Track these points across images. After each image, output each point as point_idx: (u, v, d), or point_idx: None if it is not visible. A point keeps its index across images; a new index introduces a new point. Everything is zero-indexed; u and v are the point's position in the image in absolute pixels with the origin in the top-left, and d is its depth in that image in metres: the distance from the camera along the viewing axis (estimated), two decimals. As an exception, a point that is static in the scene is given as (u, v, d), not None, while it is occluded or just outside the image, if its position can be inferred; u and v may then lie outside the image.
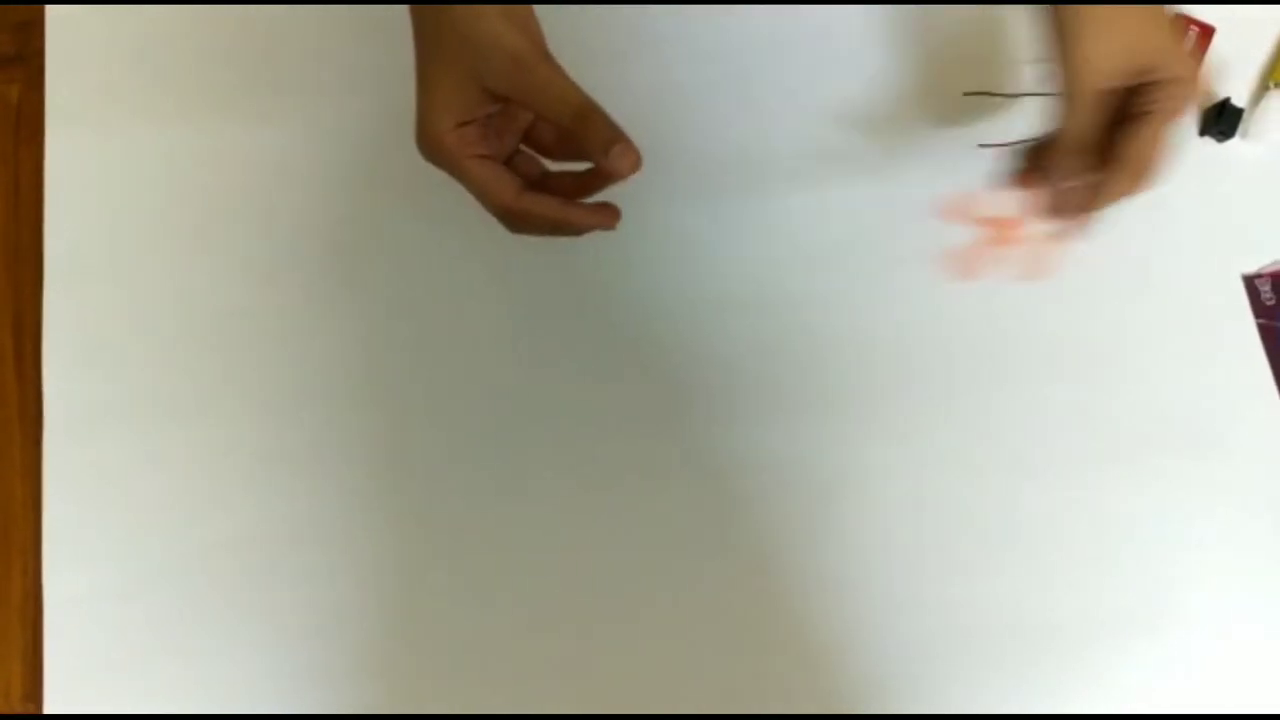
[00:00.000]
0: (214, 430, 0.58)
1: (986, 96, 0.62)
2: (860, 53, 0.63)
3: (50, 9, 0.62)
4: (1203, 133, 0.63)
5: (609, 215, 0.49)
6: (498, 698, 0.56)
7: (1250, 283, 0.60)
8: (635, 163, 0.45)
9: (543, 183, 0.50)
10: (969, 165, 0.62)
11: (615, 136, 0.45)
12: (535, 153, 0.50)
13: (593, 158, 0.46)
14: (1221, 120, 0.62)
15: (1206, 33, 0.63)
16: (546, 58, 0.46)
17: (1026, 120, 0.61)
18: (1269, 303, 0.61)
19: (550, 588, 0.57)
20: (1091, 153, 0.49)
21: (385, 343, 0.59)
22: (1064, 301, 0.61)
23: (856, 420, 0.59)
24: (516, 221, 0.48)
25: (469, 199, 0.49)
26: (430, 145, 0.47)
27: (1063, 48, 0.48)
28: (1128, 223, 0.62)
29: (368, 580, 0.57)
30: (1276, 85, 0.63)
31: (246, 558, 0.56)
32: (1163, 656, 0.57)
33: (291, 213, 0.60)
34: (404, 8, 0.62)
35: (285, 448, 0.58)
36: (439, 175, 0.60)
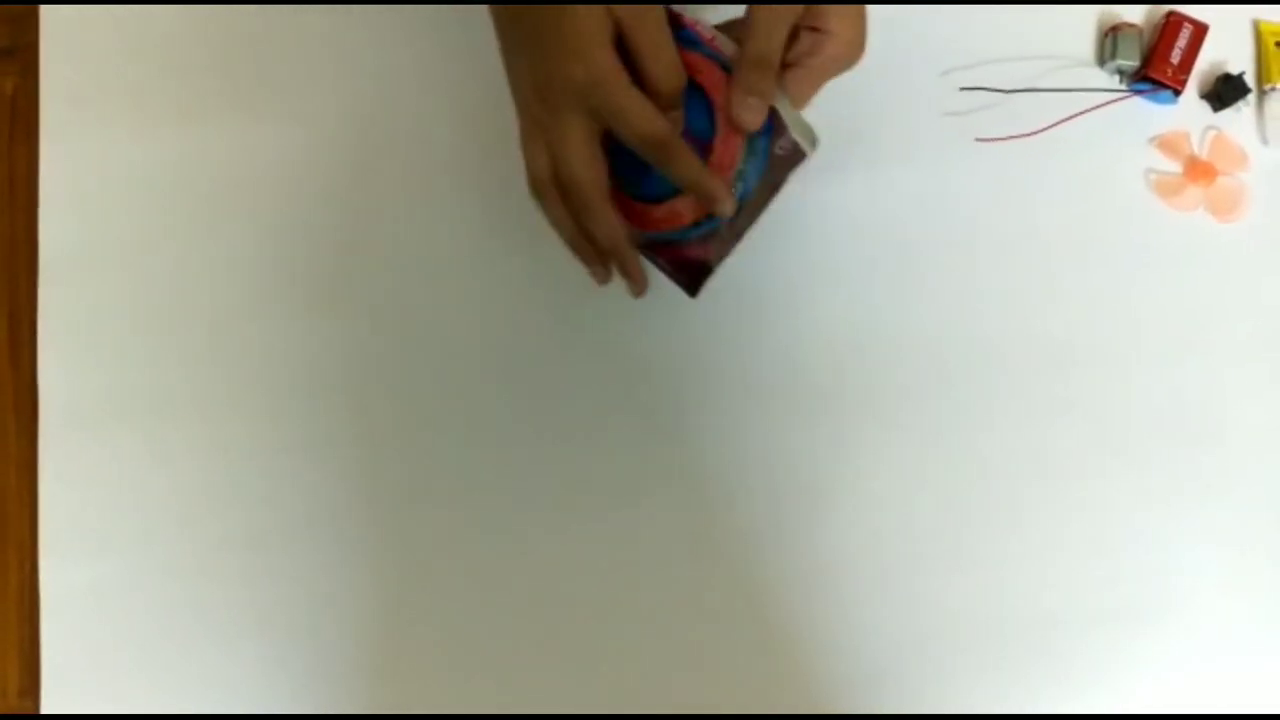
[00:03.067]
0: (211, 425, 0.57)
1: (982, 91, 0.62)
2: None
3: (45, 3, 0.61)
4: (1203, 96, 0.64)
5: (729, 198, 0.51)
6: (497, 697, 0.56)
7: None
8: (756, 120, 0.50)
9: None
10: (966, 160, 0.62)
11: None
12: None
13: (736, 95, 0.49)
14: (1225, 90, 0.63)
15: (1200, 30, 0.63)
16: (661, 14, 0.48)
17: (1023, 115, 0.62)
18: None
19: (549, 587, 0.57)
20: (775, 77, 0.50)
21: (383, 342, 0.59)
22: (1062, 297, 0.61)
23: (853, 417, 0.59)
24: (664, 152, 0.49)
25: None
26: (592, 71, 0.47)
27: None
28: (1126, 217, 0.63)
29: (366, 578, 0.57)
30: (1274, 86, 0.64)
31: (244, 553, 0.56)
32: (1162, 652, 0.58)
33: (290, 209, 0.60)
34: (401, 7, 0.62)
35: (283, 444, 0.58)
36: (437, 175, 0.61)
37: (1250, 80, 0.63)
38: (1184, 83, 0.63)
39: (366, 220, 0.60)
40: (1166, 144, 0.63)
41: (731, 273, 0.60)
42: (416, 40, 0.62)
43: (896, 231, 0.61)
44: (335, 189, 0.61)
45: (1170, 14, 0.63)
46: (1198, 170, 0.63)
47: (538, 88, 0.49)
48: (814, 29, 0.50)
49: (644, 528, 0.58)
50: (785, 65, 0.50)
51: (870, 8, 0.64)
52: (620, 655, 0.56)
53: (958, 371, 0.60)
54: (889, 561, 0.58)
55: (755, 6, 0.49)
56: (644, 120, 0.48)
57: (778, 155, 0.51)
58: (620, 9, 0.47)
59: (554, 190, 0.51)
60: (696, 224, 0.51)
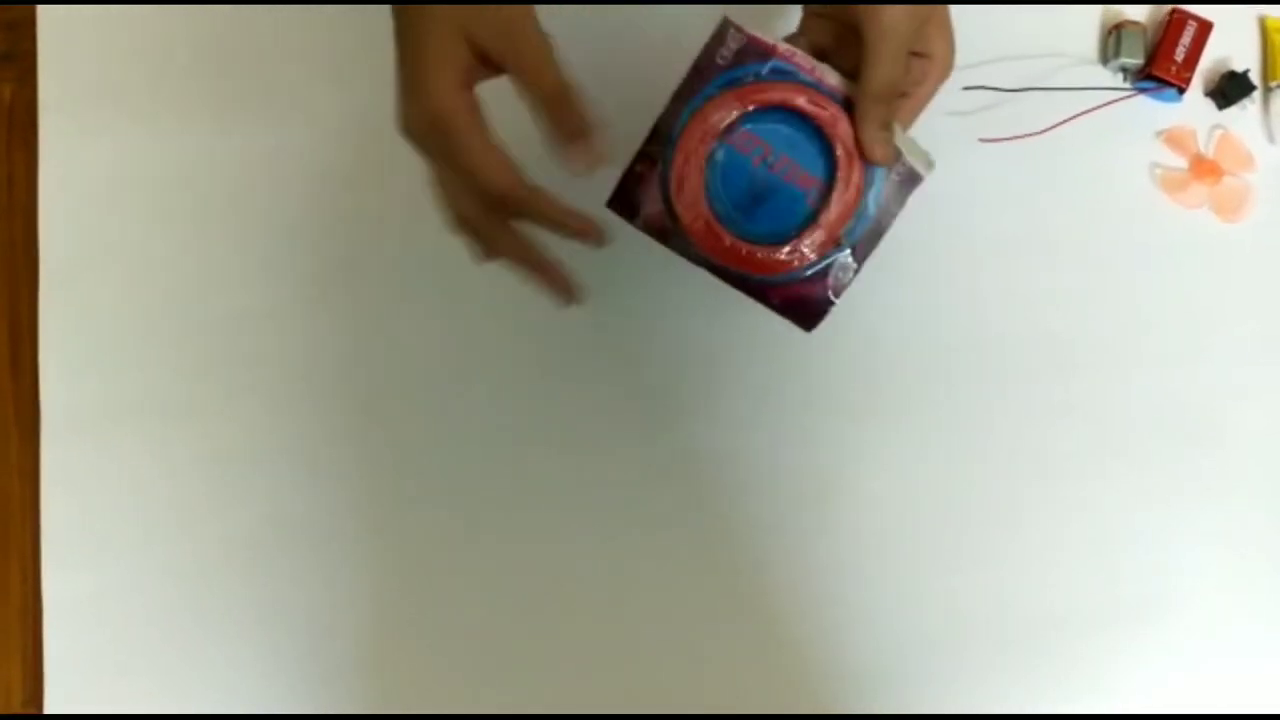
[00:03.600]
0: (212, 430, 0.57)
1: (986, 91, 0.62)
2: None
3: (42, 7, 0.61)
4: (1208, 94, 0.64)
5: (601, 235, 0.47)
6: (498, 698, 0.56)
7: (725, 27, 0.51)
8: (592, 162, 0.44)
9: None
10: (969, 160, 0.61)
11: (584, 129, 0.43)
12: None
13: (555, 141, 0.44)
14: (1230, 88, 0.63)
15: (1204, 27, 0.62)
16: (537, 27, 0.44)
17: (1027, 115, 0.61)
18: (721, 63, 0.51)
19: (551, 588, 0.57)
20: (891, 111, 0.48)
21: (383, 344, 0.59)
22: (1066, 297, 0.61)
23: (854, 418, 0.59)
24: (515, 206, 0.45)
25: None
26: (435, 112, 0.42)
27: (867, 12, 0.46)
28: (1129, 218, 0.62)
29: (367, 580, 0.57)
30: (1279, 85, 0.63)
31: (246, 557, 0.56)
32: (1162, 652, 0.57)
33: (288, 212, 0.60)
34: (398, 7, 0.62)
35: (283, 448, 0.58)
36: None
37: (1255, 78, 0.63)
38: (1188, 80, 0.62)
39: (365, 223, 0.60)
40: (1173, 139, 0.63)
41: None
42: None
43: (900, 232, 0.61)
44: (335, 192, 0.60)
45: (1174, 11, 0.63)
46: (1203, 168, 0.63)
47: (399, 122, 0.44)
48: (920, 55, 0.48)
49: (645, 528, 0.58)
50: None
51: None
52: (622, 655, 0.56)
53: (960, 371, 0.60)
54: (890, 561, 0.58)
55: (874, 34, 0.45)
56: (485, 172, 0.43)
57: (894, 182, 0.49)
58: (482, 34, 0.42)
59: (503, 204, 0.45)
60: (823, 259, 0.49)
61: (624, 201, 0.48)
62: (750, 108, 0.47)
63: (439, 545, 0.57)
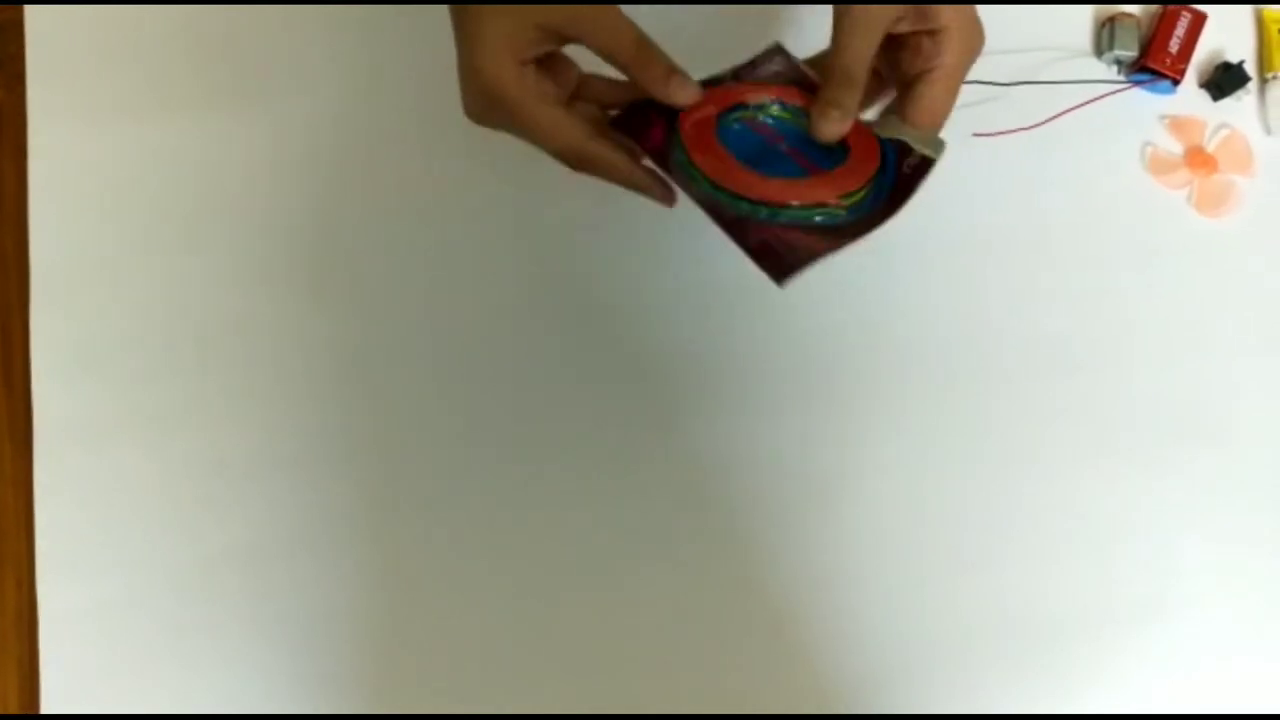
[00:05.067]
0: (207, 439, 0.57)
1: (979, 86, 0.62)
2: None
3: (30, 10, 0.61)
4: (1203, 85, 0.64)
5: (669, 193, 0.50)
6: (499, 702, 0.55)
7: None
8: (695, 94, 0.47)
9: (604, 132, 0.49)
10: (963, 155, 0.61)
11: (674, 67, 0.46)
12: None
13: (652, 88, 0.46)
14: (1225, 79, 0.63)
15: (1198, 20, 0.62)
16: None
17: (1021, 108, 0.61)
18: None
19: (553, 590, 0.57)
20: (859, 91, 0.48)
21: (379, 348, 0.59)
22: (1062, 292, 0.61)
23: (853, 416, 0.59)
24: (583, 165, 0.48)
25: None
26: (489, 90, 0.45)
27: None
28: (1124, 211, 0.62)
29: (366, 589, 0.56)
30: (1276, 74, 0.63)
31: (243, 567, 0.56)
32: (1162, 651, 0.57)
33: (282, 215, 0.60)
34: (393, 7, 0.62)
35: (279, 456, 0.57)
36: (434, 173, 0.60)
37: (1250, 69, 0.63)
38: (1183, 72, 0.62)
39: (362, 227, 0.60)
40: (1178, 125, 0.63)
41: (731, 271, 0.60)
42: (405, 38, 0.61)
43: (894, 228, 0.61)
44: (330, 198, 0.60)
45: (1168, 3, 0.63)
46: (1199, 159, 0.62)
47: (465, 109, 0.47)
48: (928, 32, 0.48)
49: (646, 529, 0.57)
50: (915, 77, 0.48)
51: None
52: (621, 656, 0.56)
53: (957, 368, 0.60)
54: (890, 562, 0.57)
55: (840, 21, 0.46)
56: (548, 140, 0.46)
57: (905, 174, 0.49)
58: (545, 14, 0.44)
59: (577, 160, 0.48)
60: (823, 207, 0.49)
61: (630, 122, 0.50)
62: (775, 98, 0.50)
63: (439, 549, 0.57)
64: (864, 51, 0.47)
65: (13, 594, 0.56)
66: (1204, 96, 0.64)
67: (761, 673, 0.56)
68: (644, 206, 0.60)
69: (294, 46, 0.62)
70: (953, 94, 0.49)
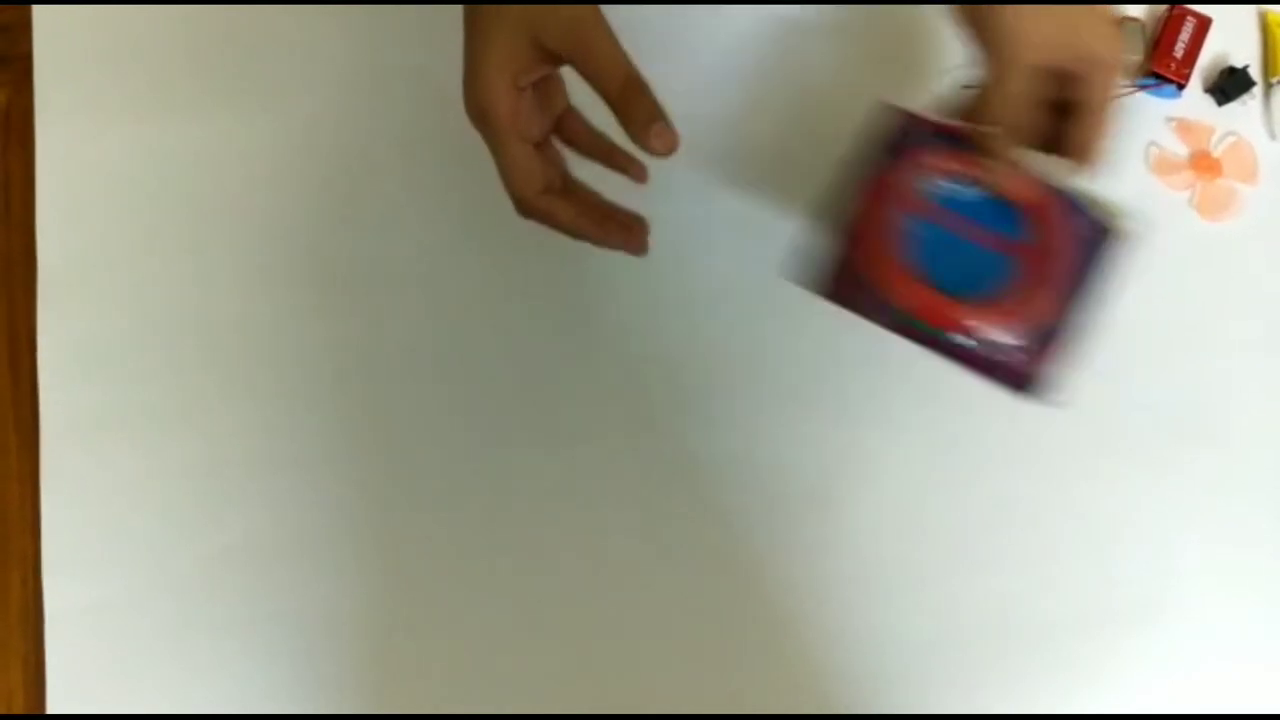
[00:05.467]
0: (212, 437, 0.57)
1: (984, 89, 0.62)
2: (861, 46, 0.63)
3: (37, 10, 0.61)
4: (1208, 90, 0.64)
5: (635, 241, 0.50)
6: (500, 700, 0.56)
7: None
8: (672, 145, 0.46)
9: (565, 186, 0.50)
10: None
11: (658, 114, 0.46)
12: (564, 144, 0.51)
13: (633, 131, 0.46)
14: (1230, 84, 0.63)
15: (1203, 24, 0.62)
16: (604, 22, 0.46)
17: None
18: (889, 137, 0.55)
19: (555, 591, 0.57)
20: (1021, 135, 0.47)
21: (382, 347, 0.59)
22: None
23: (853, 419, 0.59)
24: (528, 214, 0.48)
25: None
26: (483, 106, 0.46)
27: (992, 22, 0.46)
28: (1137, 212, 0.62)
29: (366, 586, 0.56)
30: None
31: (246, 566, 0.56)
32: (1163, 651, 0.57)
33: (287, 215, 0.60)
34: (397, 8, 0.62)
35: (282, 455, 0.57)
36: (436, 174, 0.60)
37: (1254, 73, 0.63)
38: (1188, 76, 0.62)
39: (364, 225, 0.60)
40: (1185, 128, 0.63)
41: (736, 271, 0.60)
42: (409, 38, 0.62)
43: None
44: (335, 196, 0.60)
45: (1173, 7, 0.63)
46: (1204, 163, 0.62)
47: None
48: (1074, 67, 0.46)
49: (647, 530, 0.57)
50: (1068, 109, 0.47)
51: (869, 7, 0.64)
52: (621, 656, 0.56)
53: (959, 374, 0.60)
54: (890, 562, 0.58)
55: (990, 57, 0.45)
56: (509, 177, 0.47)
57: (1095, 241, 0.48)
58: (548, 33, 0.45)
59: (523, 207, 0.48)
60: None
61: (802, 271, 0.49)
62: (926, 176, 0.48)
63: (438, 549, 0.57)
64: (1018, 93, 0.45)
65: (18, 589, 0.56)
66: (1208, 101, 0.64)
67: (761, 673, 0.56)
68: (645, 209, 0.60)
69: (299, 47, 0.62)
70: (1096, 132, 0.48)
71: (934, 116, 0.50)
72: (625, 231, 0.50)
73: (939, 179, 0.49)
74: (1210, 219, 0.62)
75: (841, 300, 0.49)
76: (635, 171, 0.51)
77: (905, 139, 0.50)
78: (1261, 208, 0.62)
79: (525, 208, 0.48)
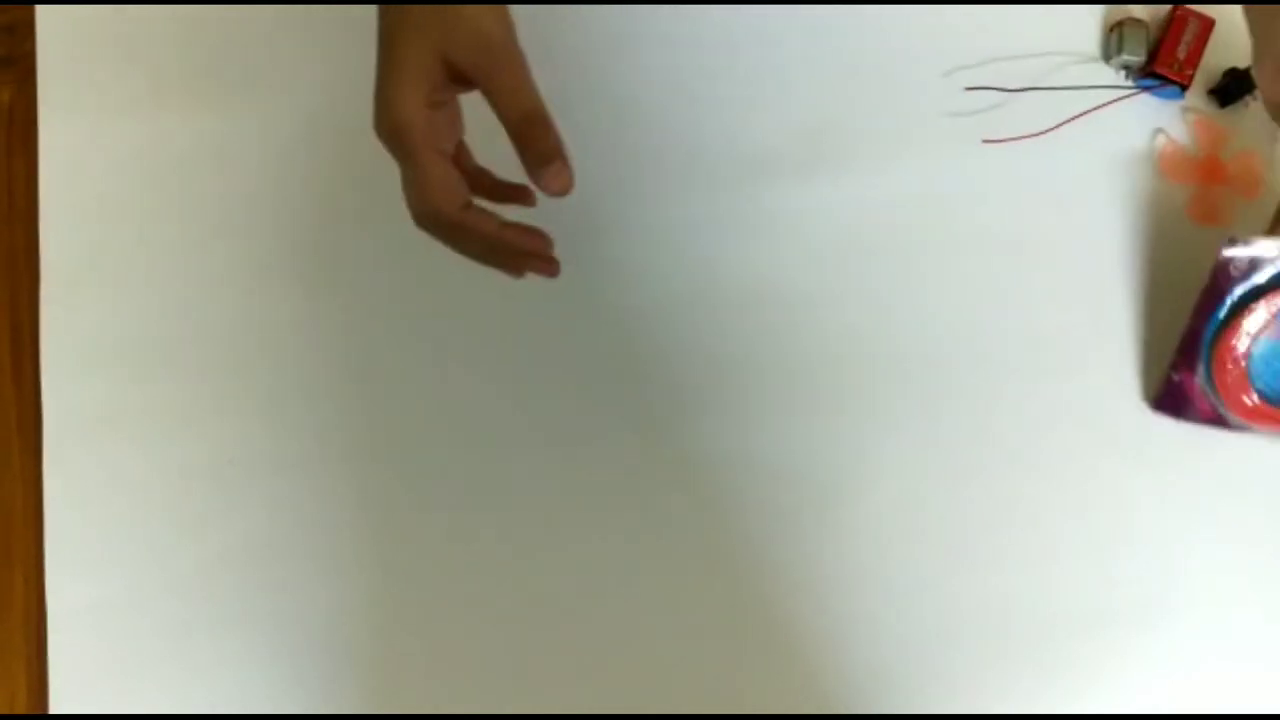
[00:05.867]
0: (215, 437, 0.57)
1: (988, 92, 0.62)
2: (863, 48, 0.63)
3: (41, 9, 0.61)
4: (1210, 91, 0.64)
5: (548, 262, 0.50)
6: (501, 701, 0.56)
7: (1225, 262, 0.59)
8: (566, 186, 0.45)
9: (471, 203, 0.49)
10: (971, 162, 0.61)
11: (557, 153, 0.45)
12: None
13: (529, 165, 0.45)
14: (1232, 85, 0.62)
15: (1206, 25, 0.62)
16: (515, 46, 0.45)
17: (1029, 114, 0.61)
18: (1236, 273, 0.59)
19: (550, 589, 0.57)
20: None
21: (385, 346, 0.59)
22: (1065, 298, 0.61)
23: (852, 419, 0.59)
24: (451, 233, 0.47)
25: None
26: (398, 122, 0.44)
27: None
28: (1133, 216, 0.62)
29: (369, 586, 0.56)
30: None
31: (250, 566, 0.56)
32: (1164, 652, 0.57)
33: (292, 214, 0.60)
34: (382, 9, 0.62)
35: (285, 455, 0.57)
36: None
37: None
38: (1190, 78, 0.62)
39: (369, 225, 0.60)
40: (1202, 124, 0.63)
41: (736, 271, 0.60)
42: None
43: (903, 234, 0.61)
44: (341, 196, 0.60)
45: (1176, 8, 0.63)
46: (1211, 166, 0.62)
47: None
48: None
49: (647, 531, 0.57)
50: None
51: (871, 8, 0.64)
52: (622, 656, 0.56)
53: (962, 373, 0.60)
54: (890, 563, 0.58)
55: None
56: (428, 192, 0.45)
57: None
58: (458, 53, 0.44)
59: (446, 226, 0.47)
60: None
61: (1172, 405, 0.58)
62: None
63: (439, 550, 0.57)
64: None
65: (21, 590, 0.56)
66: (1211, 103, 0.64)
67: (761, 673, 0.56)
68: (643, 210, 0.60)
69: (303, 45, 0.62)
70: None
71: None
72: (539, 240, 0.49)
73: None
74: (1199, 222, 0.62)
75: (1215, 424, 0.58)
76: (525, 197, 0.50)
77: (1254, 269, 0.57)
78: (1256, 216, 0.62)
79: (444, 223, 0.46)
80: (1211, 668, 0.57)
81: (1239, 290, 0.57)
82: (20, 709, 0.55)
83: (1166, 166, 0.62)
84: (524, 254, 0.50)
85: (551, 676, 0.56)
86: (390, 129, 0.45)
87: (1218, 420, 0.58)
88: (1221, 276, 0.57)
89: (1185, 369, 0.58)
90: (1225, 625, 0.58)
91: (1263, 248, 0.56)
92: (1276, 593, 0.58)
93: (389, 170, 0.60)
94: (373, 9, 0.61)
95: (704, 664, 0.56)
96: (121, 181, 0.59)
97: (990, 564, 0.58)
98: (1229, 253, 0.56)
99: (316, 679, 0.55)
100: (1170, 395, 0.58)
